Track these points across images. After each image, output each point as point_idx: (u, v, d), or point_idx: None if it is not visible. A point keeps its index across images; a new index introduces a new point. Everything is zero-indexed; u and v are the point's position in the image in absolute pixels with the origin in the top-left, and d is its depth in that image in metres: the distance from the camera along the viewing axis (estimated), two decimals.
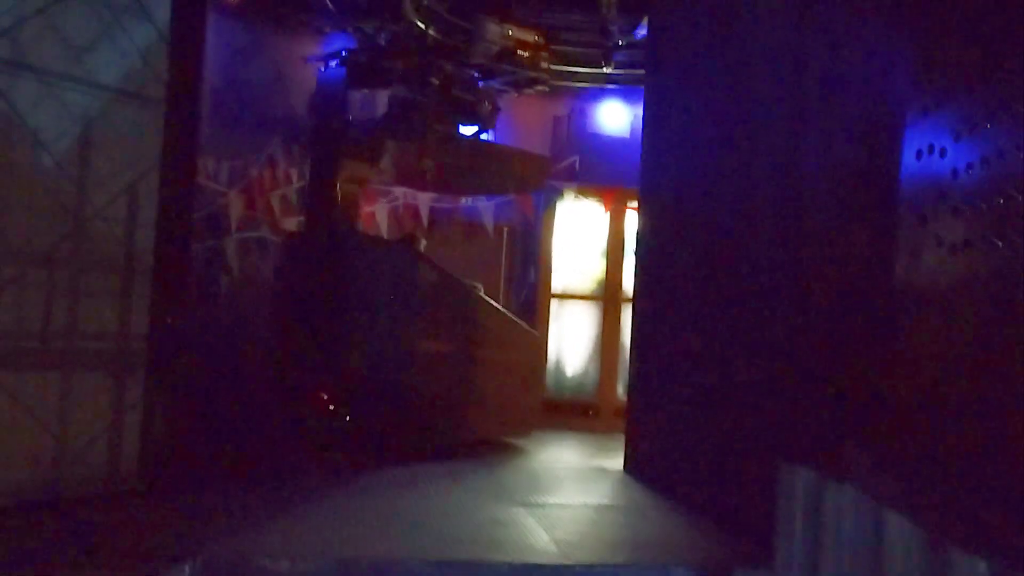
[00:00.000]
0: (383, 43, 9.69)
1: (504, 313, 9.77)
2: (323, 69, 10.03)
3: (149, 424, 6.45)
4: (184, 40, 6.59)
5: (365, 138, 9.65)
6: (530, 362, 9.56)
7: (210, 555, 4.95)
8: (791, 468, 5.09)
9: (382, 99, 10.11)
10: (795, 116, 5.36)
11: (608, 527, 6.20)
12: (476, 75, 10.08)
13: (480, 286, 10.12)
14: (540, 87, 10.51)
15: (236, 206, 9.71)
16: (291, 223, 10.23)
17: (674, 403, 7.38)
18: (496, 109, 10.16)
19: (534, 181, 10.39)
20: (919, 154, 4.02)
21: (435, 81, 9.66)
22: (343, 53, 9.87)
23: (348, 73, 9.77)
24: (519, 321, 9.98)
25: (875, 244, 4.32)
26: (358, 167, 9.76)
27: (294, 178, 10.27)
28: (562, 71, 10.65)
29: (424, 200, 11.71)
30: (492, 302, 9.70)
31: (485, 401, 8.96)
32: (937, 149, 3.86)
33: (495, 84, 10.37)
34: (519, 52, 9.96)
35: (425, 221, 11.76)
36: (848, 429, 4.60)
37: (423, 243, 9.98)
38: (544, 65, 10.17)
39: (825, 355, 4.83)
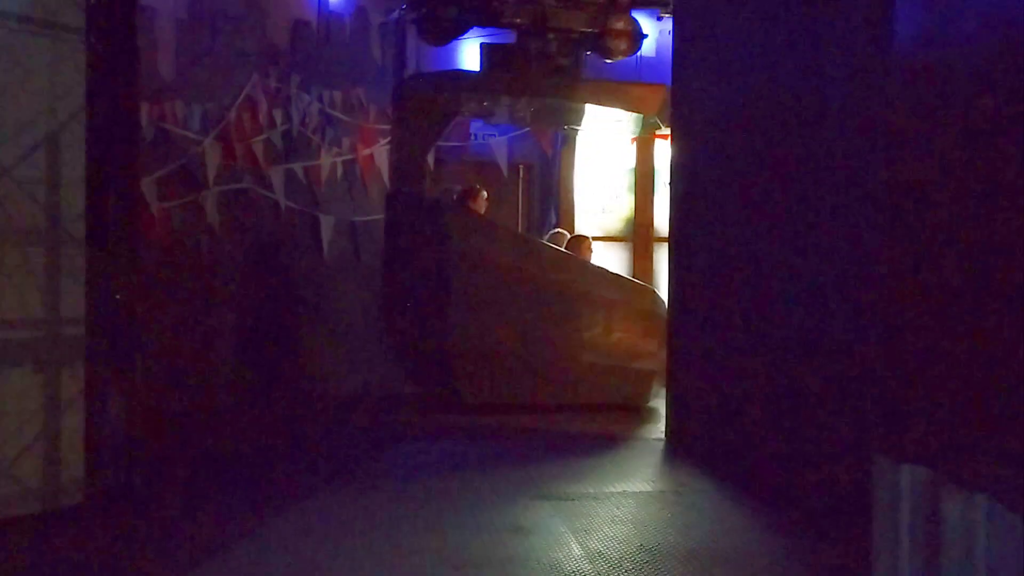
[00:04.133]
0: None
1: (604, 270, 8.85)
2: (394, 24, 9.35)
3: (99, 426, 5.37)
4: None
5: (451, 93, 8.84)
6: (642, 321, 8.46)
7: None
8: (892, 463, 3.93)
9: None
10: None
11: (653, 528, 5.07)
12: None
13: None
14: None
15: (213, 155, 8.57)
16: (278, 172, 9.09)
17: (728, 363, 6.21)
18: (636, 36, 8.92)
19: (652, 112, 9.21)
20: None
21: (518, 20, 8.61)
22: (403, 8, 9.17)
23: (421, 28, 8.97)
24: (626, 277, 9.01)
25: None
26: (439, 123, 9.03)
27: (278, 120, 9.09)
28: None
29: None
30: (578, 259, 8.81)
31: (584, 365, 8.18)
32: None
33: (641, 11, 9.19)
34: None
35: (431, 161, 10.57)
36: (977, 418, 3.41)
37: (483, 196, 8.96)
38: None
39: (940, 319, 3.61)
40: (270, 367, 9.03)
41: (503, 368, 8.09)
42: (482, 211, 8.90)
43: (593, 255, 9.05)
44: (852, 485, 4.40)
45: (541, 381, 8.16)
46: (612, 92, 9.09)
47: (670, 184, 7.78)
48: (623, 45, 8.78)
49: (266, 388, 8.91)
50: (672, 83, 7.39)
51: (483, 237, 8.21)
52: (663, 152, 9.58)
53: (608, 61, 9.04)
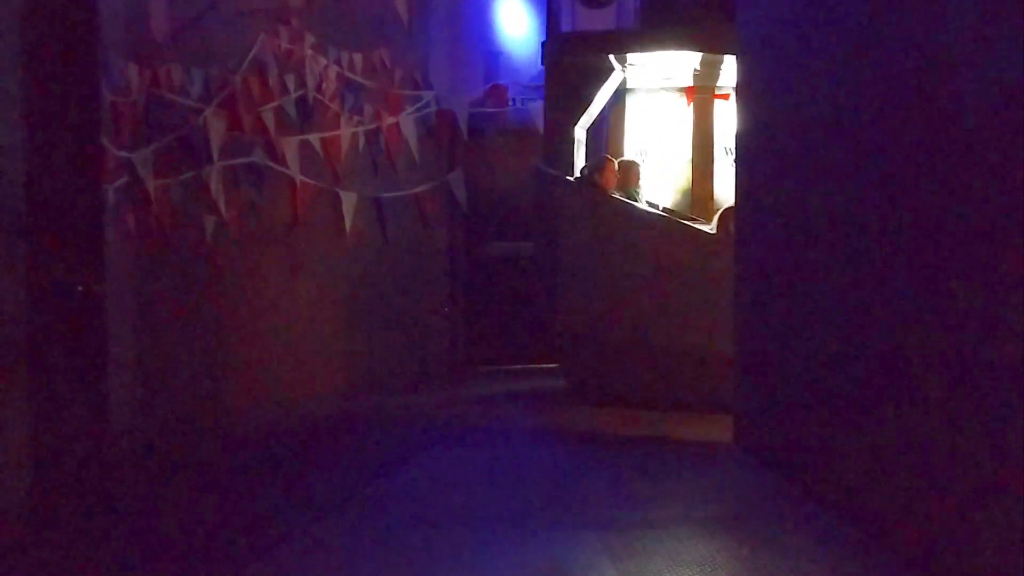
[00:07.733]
0: None
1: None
2: None
3: (50, 443, 4.48)
4: None
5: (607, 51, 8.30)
6: None
7: None
8: None
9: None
10: None
11: (724, 572, 4.02)
12: None
13: None
14: None
15: (217, 126, 7.61)
16: (292, 144, 8.13)
17: (812, 356, 5.13)
18: None
19: None
20: None
21: None
22: None
23: None
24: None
25: None
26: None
27: (291, 86, 8.12)
28: None
29: (461, 105, 9.48)
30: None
31: (715, 360, 7.03)
32: None
33: None
34: None
35: (464, 129, 9.60)
36: None
37: (614, 168, 8.04)
38: None
39: None
40: (290, 365, 8.13)
41: (618, 359, 7.45)
42: (612, 183, 7.95)
43: None
44: (978, 520, 3.33)
45: (664, 376, 7.30)
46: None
47: (735, 148, 6.71)
48: None
49: (286, 390, 8.02)
50: (739, 22, 6.27)
51: (596, 214, 7.58)
52: (725, 114, 8.51)
53: None
